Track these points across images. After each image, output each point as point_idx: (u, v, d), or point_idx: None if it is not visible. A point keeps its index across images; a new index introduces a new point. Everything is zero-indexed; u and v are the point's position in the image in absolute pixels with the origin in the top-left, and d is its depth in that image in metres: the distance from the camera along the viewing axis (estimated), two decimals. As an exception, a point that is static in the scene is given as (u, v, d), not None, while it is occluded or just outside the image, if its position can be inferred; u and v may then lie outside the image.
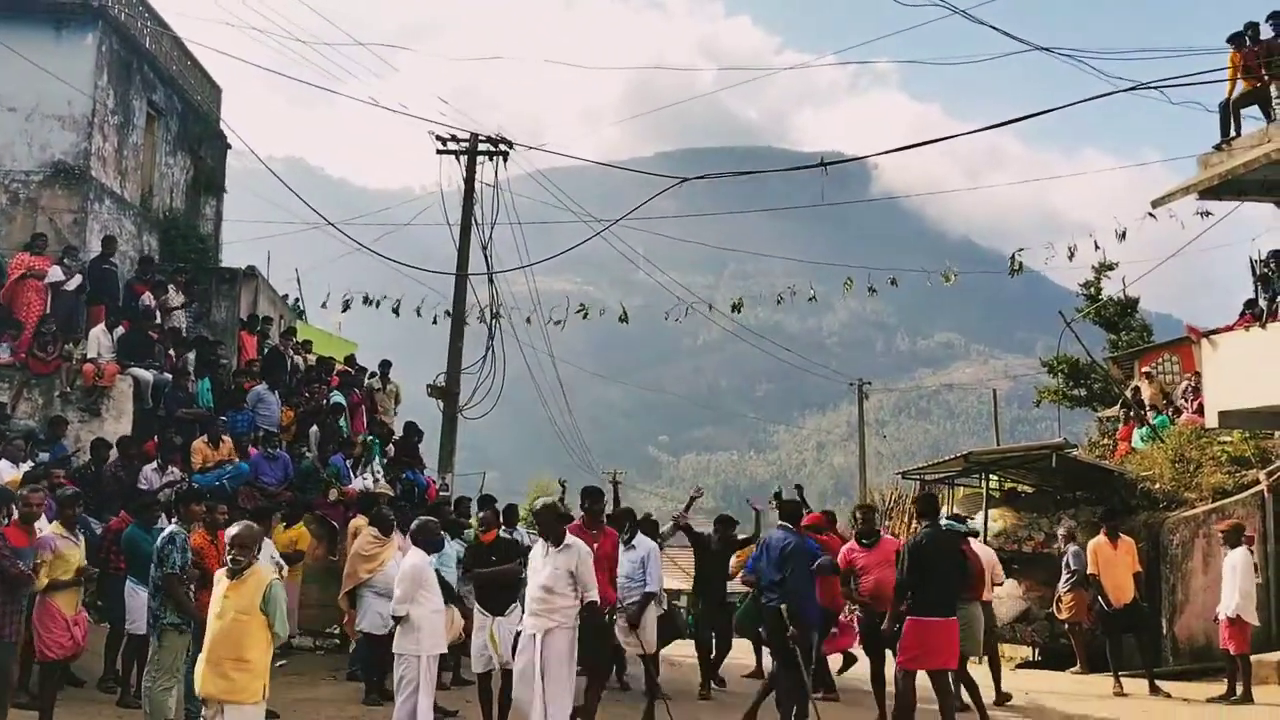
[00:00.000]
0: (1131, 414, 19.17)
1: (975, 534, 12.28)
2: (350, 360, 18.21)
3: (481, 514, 10.51)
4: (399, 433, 17.76)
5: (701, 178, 12.78)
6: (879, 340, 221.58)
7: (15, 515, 8.68)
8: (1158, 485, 15.87)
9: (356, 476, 15.42)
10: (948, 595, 9.02)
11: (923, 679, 9.06)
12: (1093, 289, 33.54)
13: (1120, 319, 32.89)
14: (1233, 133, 14.71)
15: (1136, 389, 20.37)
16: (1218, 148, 14.76)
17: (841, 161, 11.98)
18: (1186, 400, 18.44)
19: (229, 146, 20.72)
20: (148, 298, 15.62)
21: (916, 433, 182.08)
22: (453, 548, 11.91)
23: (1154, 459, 16.64)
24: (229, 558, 6.39)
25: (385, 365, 18.35)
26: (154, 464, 13.11)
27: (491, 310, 17.48)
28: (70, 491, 9.65)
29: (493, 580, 9.18)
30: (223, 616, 6.20)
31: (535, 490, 37.20)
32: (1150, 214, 16.73)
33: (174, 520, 9.31)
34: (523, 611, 8.65)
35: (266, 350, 17.16)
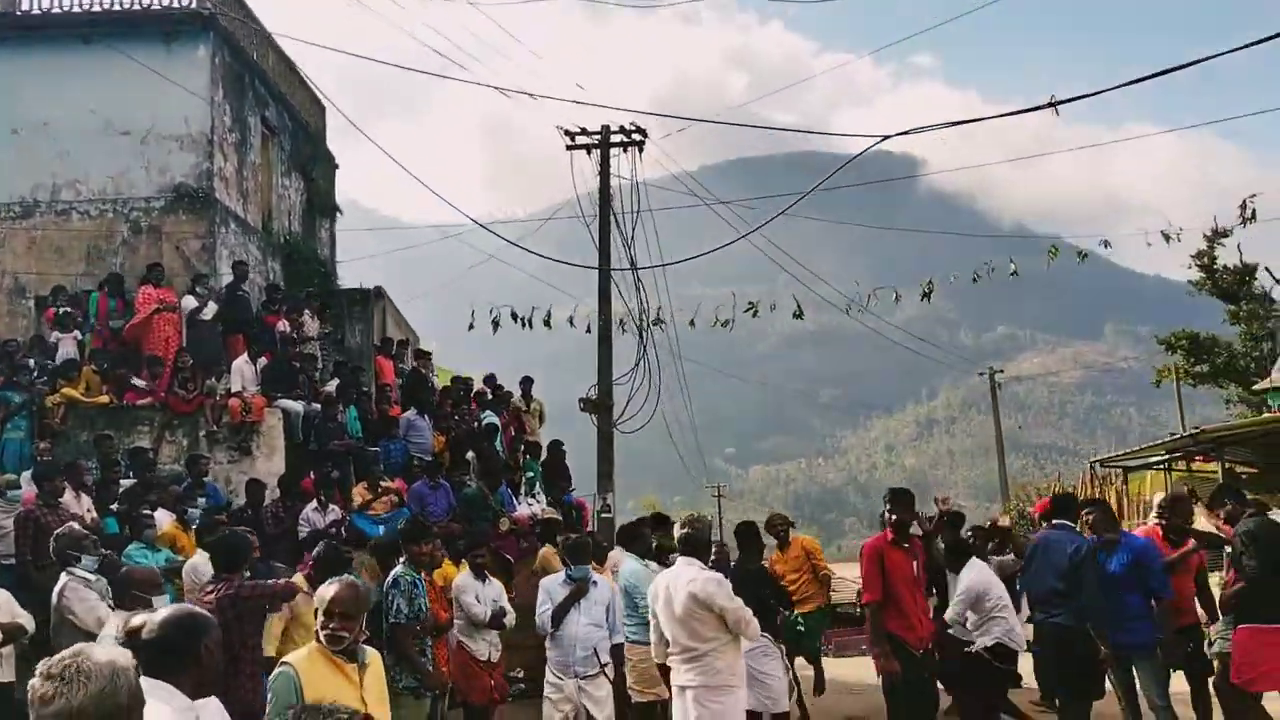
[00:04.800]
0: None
1: None
2: (490, 379, 16.93)
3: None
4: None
5: (907, 133, 11.32)
6: (942, 335, 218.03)
7: None
8: None
9: (520, 502, 14.16)
10: None
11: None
12: (1206, 259, 31.81)
13: (1239, 287, 31.14)
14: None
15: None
16: None
17: (1078, 98, 10.42)
18: None
19: (337, 167, 19.62)
20: (283, 325, 14.47)
21: (988, 427, 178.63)
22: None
23: None
24: (335, 632, 4.34)
25: (527, 382, 17.04)
26: (313, 504, 11.88)
27: (641, 311, 16.06)
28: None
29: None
30: None
31: (644, 509, 35.72)
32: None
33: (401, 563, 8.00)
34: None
35: (407, 373, 15.94)
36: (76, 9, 14.80)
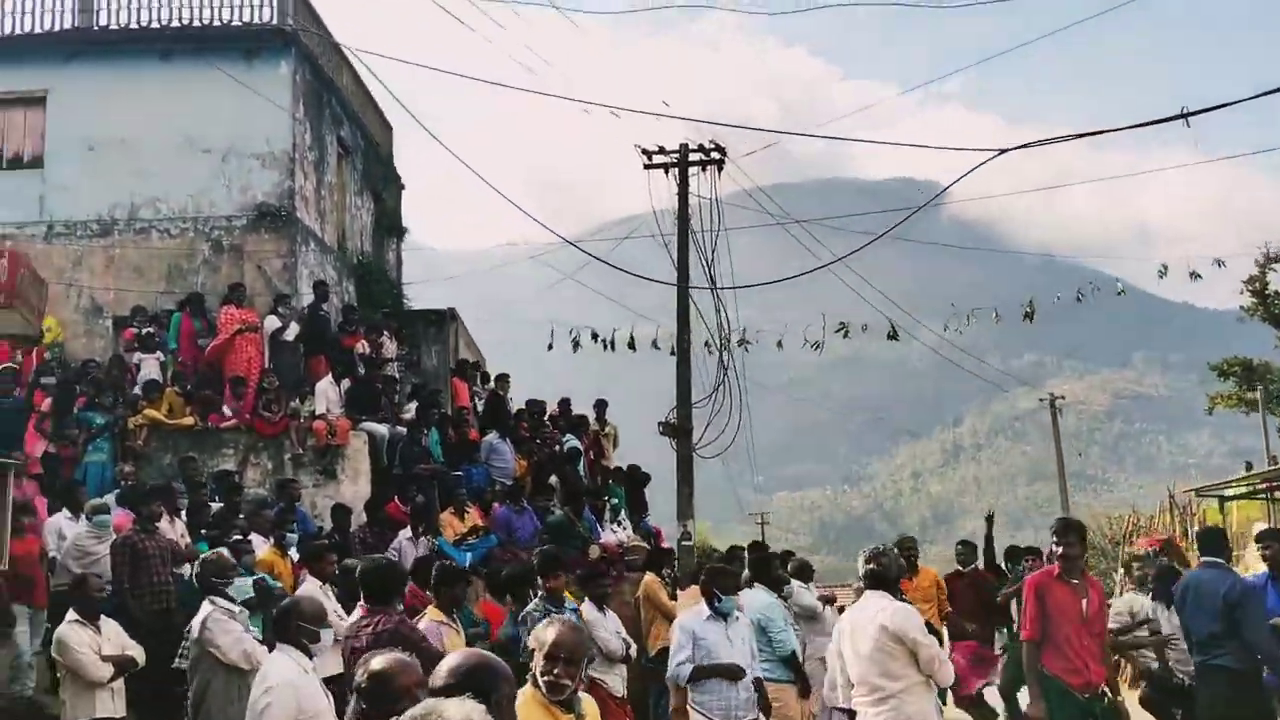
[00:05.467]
0: None
1: None
2: (564, 403, 16.55)
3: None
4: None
5: (1024, 147, 10.94)
6: (968, 363, 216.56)
7: None
8: None
9: (604, 529, 13.76)
10: None
11: None
12: (1258, 284, 31.48)
13: (1291, 312, 30.82)
14: None
15: None
16: None
17: (1209, 109, 10.03)
18: None
19: (404, 187, 19.39)
20: (363, 346, 14.15)
21: (1014, 455, 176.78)
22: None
23: None
24: (558, 679, 3.85)
25: (601, 405, 16.66)
26: (407, 532, 11.41)
27: (720, 334, 15.66)
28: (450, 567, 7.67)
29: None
30: None
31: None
32: None
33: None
34: None
35: (486, 396, 15.59)
36: (155, 25, 14.59)
